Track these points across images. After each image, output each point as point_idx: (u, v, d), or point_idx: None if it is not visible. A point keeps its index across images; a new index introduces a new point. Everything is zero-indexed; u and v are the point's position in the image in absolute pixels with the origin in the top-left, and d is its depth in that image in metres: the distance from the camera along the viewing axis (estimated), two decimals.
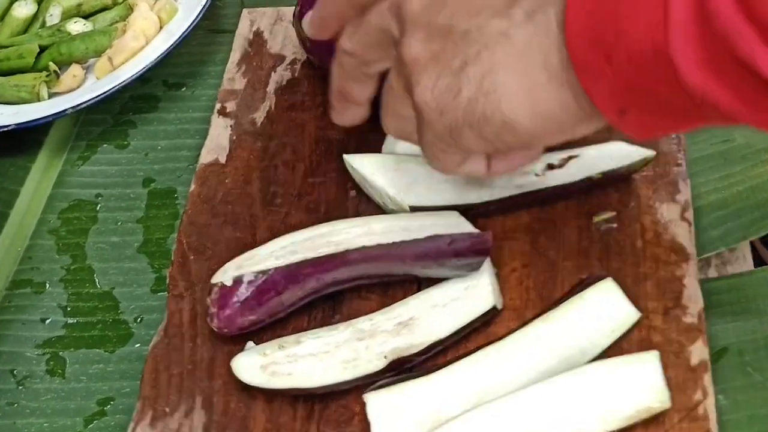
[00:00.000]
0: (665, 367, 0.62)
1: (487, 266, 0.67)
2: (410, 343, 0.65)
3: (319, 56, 0.81)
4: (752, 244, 0.79)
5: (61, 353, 0.73)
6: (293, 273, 0.66)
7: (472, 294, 0.66)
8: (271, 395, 0.65)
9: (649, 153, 0.72)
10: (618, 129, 0.51)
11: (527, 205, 0.72)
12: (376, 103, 0.65)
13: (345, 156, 0.74)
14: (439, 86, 0.54)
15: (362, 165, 0.73)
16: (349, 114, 0.68)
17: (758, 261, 0.79)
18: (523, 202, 0.72)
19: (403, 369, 0.64)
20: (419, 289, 0.69)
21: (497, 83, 0.52)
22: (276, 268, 0.66)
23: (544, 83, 0.51)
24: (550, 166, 0.71)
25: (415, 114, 0.57)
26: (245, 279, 0.66)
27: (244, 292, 0.66)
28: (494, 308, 0.66)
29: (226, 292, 0.66)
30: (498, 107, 0.52)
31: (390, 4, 0.57)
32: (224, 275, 0.66)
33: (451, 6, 0.53)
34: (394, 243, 0.66)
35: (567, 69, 0.50)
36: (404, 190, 0.71)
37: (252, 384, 0.64)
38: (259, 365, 0.64)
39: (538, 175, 0.71)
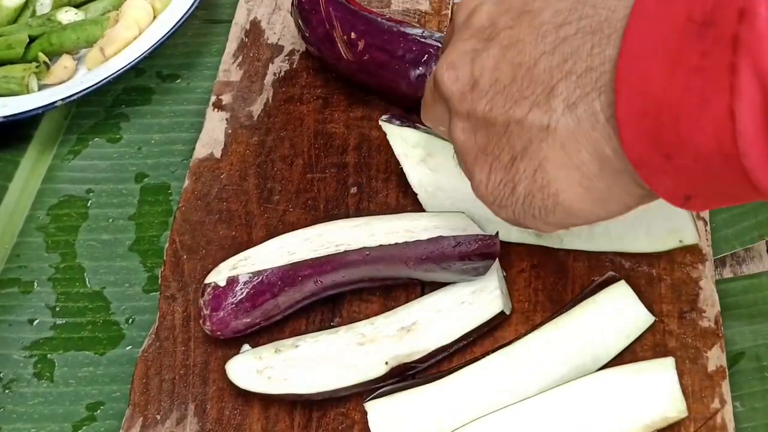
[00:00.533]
0: (681, 373, 0.60)
1: (495, 269, 0.64)
2: (413, 349, 0.62)
3: (317, 46, 0.79)
4: None
5: (49, 355, 0.71)
6: (290, 274, 0.63)
7: (479, 298, 0.63)
8: (267, 402, 0.62)
9: None
10: (682, 209, 0.50)
11: None
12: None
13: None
14: (493, 181, 0.53)
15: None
16: None
17: None
18: None
19: (406, 376, 0.62)
20: (422, 293, 0.67)
21: (550, 177, 0.51)
22: (272, 269, 0.63)
23: (597, 173, 0.49)
24: None
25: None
26: (240, 279, 0.63)
27: (238, 293, 0.63)
28: (502, 313, 0.63)
29: (220, 293, 0.63)
30: (556, 200, 0.51)
31: (431, 83, 0.57)
32: (218, 275, 0.64)
33: (489, 95, 0.52)
34: (396, 244, 0.63)
35: (622, 158, 0.48)
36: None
37: (247, 389, 0.61)
38: (254, 369, 0.61)
39: None
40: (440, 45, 0.75)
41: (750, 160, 0.41)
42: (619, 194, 0.50)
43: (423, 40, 0.75)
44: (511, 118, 0.51)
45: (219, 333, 0.64)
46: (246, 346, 0.63)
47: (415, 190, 0.69)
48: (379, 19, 0.77)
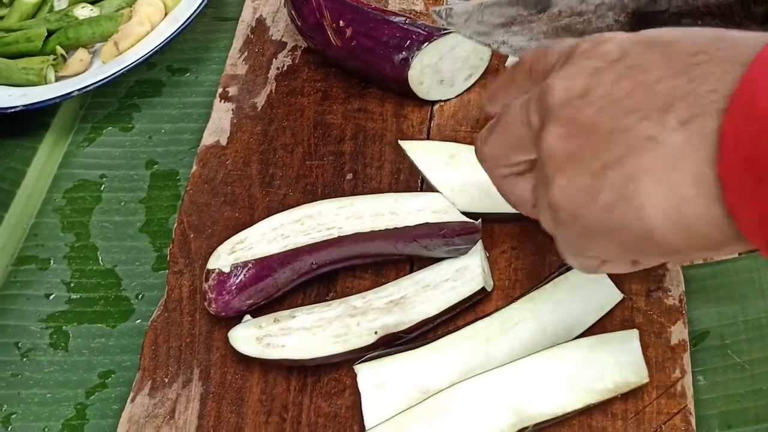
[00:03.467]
0: (646, 346, 0.65)
1: (478, 249, 0.69)
2: (400, 320, 0.67)
3: (309, 35, 0.84)
4: None
5: (64, 327, 0.76)
6: (289, 258, 0.68)
7: (463, 275, 0.68)
8: (266, 368, 0.67)
9: None
10: (765, 255, 0.47)
11: None
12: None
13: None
14: (575, 186, 0.50)
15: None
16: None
17: None
18: None
19: (393, 344, 0.67)
20: (412, 270, 0.71)
21: (640, 190, 0.48)
22: (272, 255, 0.68)
23: (691, 196, 0.47)
24: None
25: (551, 213, 0.53)
26: (241, 265, 0.68)
27: (241, 278, 0.68)
28: (483, 290, 0.68)
29: (224, 278, 0.68)
30: (639, 215, 0.48)
31: (533, 95, 0.54)
32: (218, 261, 0.68)
33: (599, 103, 0.50)
34: (387, 230, 0.68)
35: (718, 187, 0.46)
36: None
37: (247, 354, 0.66)
38: (254, 337, 0.66)
39: None
40: (421, 31, 0.79)
41: None
42: (706, 228, 0.47)
43: (405, 27, 0.80)
44: (617, 126, 0.49)
45: (223, 314, 0.69)
46: (247, 317, 0.68)
47: (441, 190, 0.72)
48: (365, 8, 0.83)
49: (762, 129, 0.43)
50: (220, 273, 0.68)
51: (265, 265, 0.68)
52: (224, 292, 0.68)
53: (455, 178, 0.72)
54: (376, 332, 0.66)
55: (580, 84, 0.51)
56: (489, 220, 0.71)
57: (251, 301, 0.68)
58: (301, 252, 0.68)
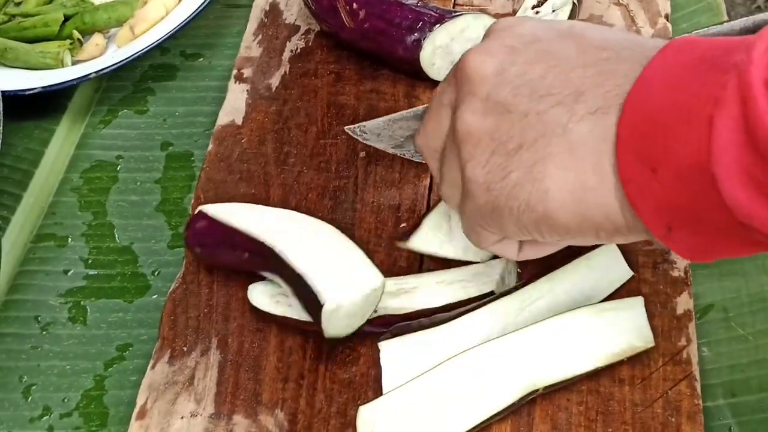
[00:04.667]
0: (652, 316, 0.67)
1: (504, 261, 0.69)
2: (402, 306, 0.68)
3: (322, 17, 0.86)
4: None
5: (82, 302, 0.77)
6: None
7: (478, 279, 0.69)
8: (282, 337, 0.69)
9: None
10: (667, 247, 0.50)
11: None
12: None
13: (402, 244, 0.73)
14: (491, 163, 0.53)
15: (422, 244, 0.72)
16: None
17: None
18: None
19: (410, 323, 0.68)
20: (421, 262, 0.73)
21: (546, 174, 0.51)
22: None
23: (592, 186, 0.50)
24: None
25: (462, 185, 0.56)
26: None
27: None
28: (492, 291, 0.69)
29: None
30: (542, 197, 0.52)
31: (451, 73, 0.57)
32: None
33: (515, 83, 0.53)
34: None
35: (618, 178, 0.49)
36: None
37: (259, 308, 0.69)
38: (269, 294, 0.69)
39: None
40: (433, 13, 0.81)
41: (720, 167, 0.43)
42: (601, 218, 0.51)
43: (417, 8, 0.82)
44: (531, 109, 0.51)
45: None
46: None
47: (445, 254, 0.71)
48: None
49: (650, 125, 0.47)
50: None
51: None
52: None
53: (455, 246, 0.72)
54: (375, 310, 0.67)
55: (496, 60, 0.54)
56: None
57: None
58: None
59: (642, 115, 0.47)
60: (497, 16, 0.89)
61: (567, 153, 0.50)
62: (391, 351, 0.65)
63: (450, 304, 0.68)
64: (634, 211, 0.49)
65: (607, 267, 0.69)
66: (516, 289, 0.68)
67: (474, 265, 0.70)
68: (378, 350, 0.65)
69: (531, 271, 0.69)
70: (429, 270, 0.71)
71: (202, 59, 0.95)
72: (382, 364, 0.65)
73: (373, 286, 0.65)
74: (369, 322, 0.67)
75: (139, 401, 0.67)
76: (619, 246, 0.69)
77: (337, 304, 0.63)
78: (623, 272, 0.69)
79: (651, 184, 0.47)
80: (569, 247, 0.64)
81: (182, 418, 0.66)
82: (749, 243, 0.47)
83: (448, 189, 0.59)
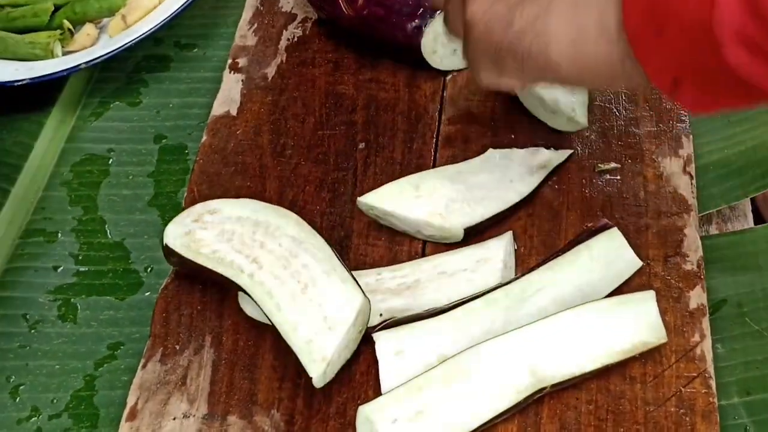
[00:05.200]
0: (664, 311, 0.64)
1: (505, 241, 0.68)
2: (407, 305, 0.66)
3: (322, 7, 0.84)
4: (754, 203, 0.81)
5: (72, 300, 0.75)
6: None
7: (482, 267, 0.67)
8: (278, 335, 0.66)
9: None
10: (673, 100, 0.53)
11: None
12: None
13: (359, 200, 0.71)
14: (492, 11, 0.56)
15: (383, 201, 0.70)
16: None
17: (759, 220, 0.81)
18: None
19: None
20: (424, 247, 0.71)
21: (549, 26, 0.54)
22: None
23: (594, 38, 0.53)
24: None
25: (464, 26, 0.59)
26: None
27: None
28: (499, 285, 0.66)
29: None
30: (545, 49, 0.55)
31: None
32: (177, 227, 0.69)
33: None
34: None
35: (619, 32, 0.52)
36: (445, 213, 0.69)
37: (250, 315, 0.67)
38: None
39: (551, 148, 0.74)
40: None
41: (722, 28, 0.45)
42: (600, 66, 0.54)
43: None
44: None
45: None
46: None
47: (430, 220, 0.69)
48: None
49: None
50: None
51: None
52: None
53: (435, 203, 0.70)
54: (381, 314, 0.65)
55: None
56: (484, 227, 0.70)
57: None
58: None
59: None
60: None
61: (571, 7, 0.54)
62: (386, 342, 0.63)
63: (457, 302, 0.65)
64: (641, 65, 0.51)
65: (613, 256, 0.66)
66: (517, 278, 0.66)
67: (475, 249, 0.68)
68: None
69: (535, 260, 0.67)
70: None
71: (196, 50, 0.93)
72: (378, 356, 0.63)
73: (356, 309, 0.62)
74: (374, 328, 0.64)
75: (130, 402, 0.65)
76: (628, 239, 0.67)
77: (327, 363, 0.61)
78: (631, 262, 0.66)
79: (657, 41, 0.49)
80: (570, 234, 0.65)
81: (174, 419, 0.63)
82: (750, 97, 0.50)
83: (452, 21, 0.63)
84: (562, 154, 0.73)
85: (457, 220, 0.69)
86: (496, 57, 0.58)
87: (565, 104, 0.74)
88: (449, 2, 0.62)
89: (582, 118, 0.75)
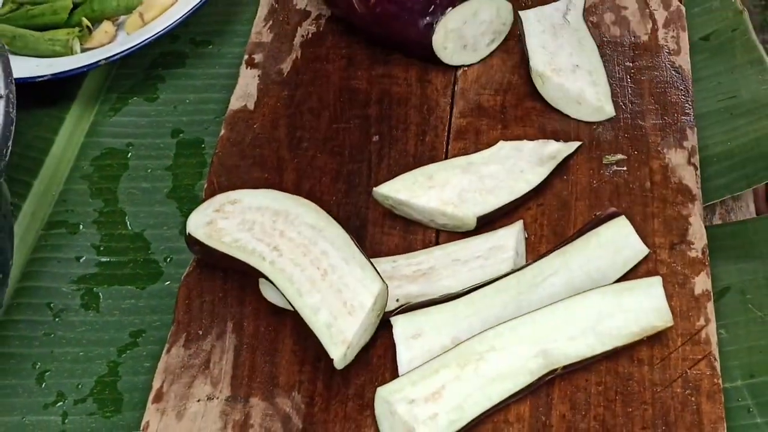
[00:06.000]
0: (670, 296, 0.66)
1: (516, 230, 0.70)
2: (423, 291, 0.68)
3: (335, 4, 0.86)
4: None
5: (95, 289, 0.77)
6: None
7: (495, 255, 0.69)
8: (299, 320, 0.68)
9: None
10: None
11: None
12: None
13: (375, 189, 0.73)
14: None
15: (397, 191, 0.72)
16: None
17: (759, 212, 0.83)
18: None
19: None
20: (437, 235, 0.73)
21: None
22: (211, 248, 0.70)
23: None
24: None
25: None
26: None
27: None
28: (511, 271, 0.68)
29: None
30: None
31: None
32: (200, 216, 0.71)
33: None
34: None
35: None
36: (458, 202, 0.71)
37: (271, 301, 0.69)
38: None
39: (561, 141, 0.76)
40: None
41: None
42: None
43: None
44: None
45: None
46: None
47: (443, 209, 0.71)
48: None
49: None
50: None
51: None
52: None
53: (448, 193, 0.72)
54: (397, 300, 0.67)
55: None
56: (495, 216, 0.72)
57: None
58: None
59: None
60: None
61: None
62: (403, 326, 0.65)
63: (470, 288, 0.67)
64: None
65: (621, 243, 0.68)
66: (527, 264, 0.68)
67: (488, 237, 0.70)
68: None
69: (546, 247, 0.69)
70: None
71: (211, 46, 0.95)
72: (395, 339, 0.65)
73: (374, 294, 0.64)
74: (391, 312, 0.66)
75: (155, 384, 0.67)
76: (635, 227, 0.69)
77: (347, 345, 0.63)
78: (638, 249, 0.68)
79: None
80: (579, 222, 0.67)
81: (198, 401, 0.65)
82: None
83: None
84: (570, 146, 0.75)
85: (470, 209, 0.71)
86: None
87: (590, 95, 0.77)
88: None
89: (609, 106, 0.77)
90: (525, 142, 0.75)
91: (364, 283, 0.64)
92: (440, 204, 0.71)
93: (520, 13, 0.82)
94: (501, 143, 0.76)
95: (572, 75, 0.78)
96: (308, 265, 0.66)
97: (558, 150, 0.75)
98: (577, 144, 0.76)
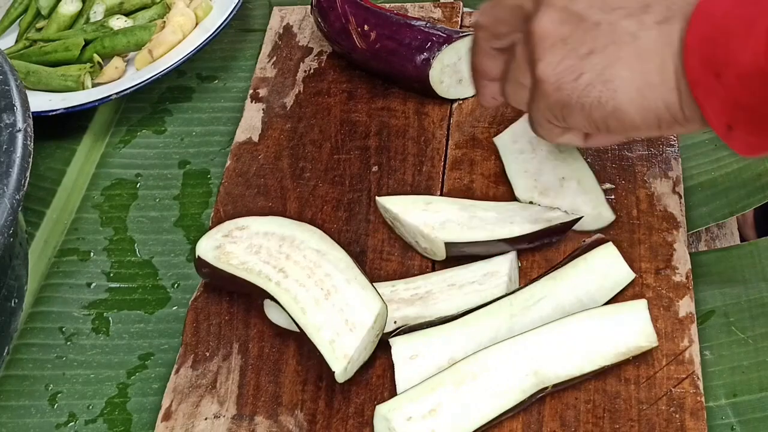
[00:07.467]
0: (656, 318, 0.69)
1: (509, 259, 0.73)
2: (420, 314, 0.71)
3: (335, 39, 0.90)
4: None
5: (105, 314, 0.80)
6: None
7: (489, 280, 0.72)
8: (301, 342, 0.72)
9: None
10: (726, 143, 0.58)
11: (549, 236, 0.75)
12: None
13: (378, 198, 0.77)
14: (563, 65, 0.60)
15: (394, 204, 0.76)
16: (488, 92, 0.71)
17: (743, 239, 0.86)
18: (545, 234, 0.75)
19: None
20: (434, 262, 0.76)
21: (616, 75, 0.59)
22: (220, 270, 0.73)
23: (656, 84, 0.58)
24: None
25: (531, 84, 0.63)
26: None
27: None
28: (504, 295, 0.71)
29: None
30: (613, 96, 0.59)
31: None
32: (208, 242, 0.75)
33: None
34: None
35: (679, 77, 0.57)
36: (438, 227, 0.74)
37: (275, 323, 0.72)
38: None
39: (567, 212, 0.76)
40: (441, 34, 0.85)
41: None
42: (662, 110, 0.58)
43: (426, 30, 0.86)
44: (604, 19, 0.59)
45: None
46: None
47: (423, 228, 0.74)
48: (388, 13, 0.88)
49: (716, 34, 0.54)
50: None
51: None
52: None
53: (435, 218, 0.75)
54: (395, 322, 0.70)
55: None
56: (467, 251, 0.74)
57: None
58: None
59: (708, 25, 0.55)
60: None
61: (635, 57, 0.58)
62: (401, 347, 0.68)
63: (466, 311, 0.70)
64: (700, 110, 0.56)
65: (608, 268, 0.71)
66: (521, 289, 0.71)
67: (483, 263, 0.73)
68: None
69: (537, 273, 0.72)
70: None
71: (217, 81, 0.99)
72: (394, 360, 0.68)
73: (375, 313, 0.68)
74: (390, 334, 0.69)
75: (165, 404, 0.69)
76: (622, 253, 0.72)
77: (348, 360, 0.66)
78: (625, 274, 0.72)
79: (715, 87, 0.54)
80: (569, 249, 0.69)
81: (206, 419, 0.68)
82: None
83: (513, 87, 0.66)
84: (571, 217, 0.75)
85: (444, 236, 0.73)
86: (564, 110, 0.61)
87: (584, 204, 0.76)
88: (512, 65, 0.65)
89: (607, 212, 0.76)
90: (533, 205, 0.77)
91: (365, 302, 0.68)
92: (421, 224, 0.74)
93: (495, 139, 0.82)
94: (513, 203, 0.77)
95: (561, 191, 0.77)
96: (312, 286, 0.69)
97: (557, 217, 0.75)
98: (578, 216, 0.75)
